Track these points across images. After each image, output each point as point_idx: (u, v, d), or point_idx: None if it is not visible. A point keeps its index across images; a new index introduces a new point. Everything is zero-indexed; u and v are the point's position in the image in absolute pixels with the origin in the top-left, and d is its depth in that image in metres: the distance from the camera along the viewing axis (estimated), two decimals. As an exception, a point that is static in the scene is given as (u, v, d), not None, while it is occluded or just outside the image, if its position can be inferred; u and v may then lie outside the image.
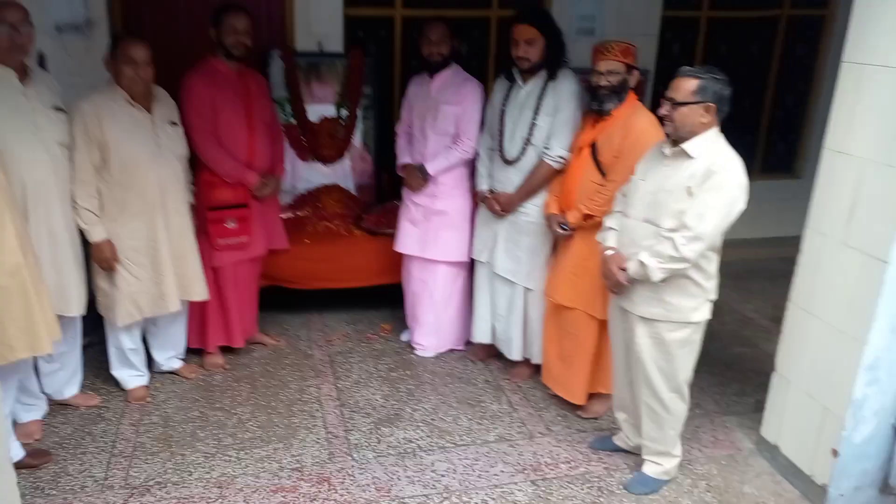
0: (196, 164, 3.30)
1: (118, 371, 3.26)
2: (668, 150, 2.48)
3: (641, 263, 2.44)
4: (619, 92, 2.86)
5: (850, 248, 2.50)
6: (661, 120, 2.47)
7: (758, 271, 5.08)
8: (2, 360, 2.38)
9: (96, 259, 2.98)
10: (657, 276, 2.42)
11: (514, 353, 3.51)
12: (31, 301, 2.43)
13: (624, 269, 2.53)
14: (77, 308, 2.93)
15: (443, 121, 3.45)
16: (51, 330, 2.54)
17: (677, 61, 4.90)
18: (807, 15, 5.27)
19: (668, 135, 2.47)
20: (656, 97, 4.63)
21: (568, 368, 3.19)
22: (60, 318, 2.71)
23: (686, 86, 2.38)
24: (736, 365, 3.76)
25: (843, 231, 2.53)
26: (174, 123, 3.12)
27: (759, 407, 3.07)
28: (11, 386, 2.67)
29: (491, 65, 4.77)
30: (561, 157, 3.12)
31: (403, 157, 3.65)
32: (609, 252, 2.62)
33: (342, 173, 4.49)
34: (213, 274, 3.39)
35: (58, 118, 2.81)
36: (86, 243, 2.96)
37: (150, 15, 4.15)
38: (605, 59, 2.84)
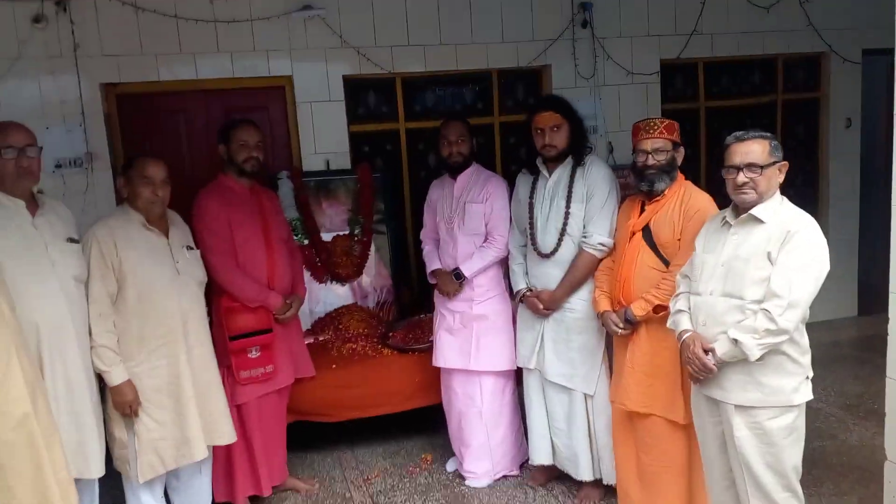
0: (212, 291, 3.04)
1: (141, 537, 2.79)
2: (732, 219, 2.35)
3: (735, 342, 2.20)
4: (668, 171, 2.73)
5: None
6: (738, 188, 2.29)
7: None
8: (5, 534, 1.97)
9: (117, 405, 2.63)
10: (755, 353, 2.19)
11: (583, 473, 3.11)
12: (41, 457, 2.03)
13: (708, 352, 2.28)
14: (97, 469, 2.53)
15: (471, 221, 3.31)
16: (65, 493, 2.13)
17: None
18: (802, 99, 5.37)
19: (737, 205, 2.34)
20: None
21: (651, 488, 2.78)
22: (77, 481, 2.29)
23: (761, 148, 2.30)
24: (821, 461, 3.39)
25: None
26: (190, 248, 2.90)
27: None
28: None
29: (498, 168, 4.71)
30: (602, 245, 2.96)
31: (433, 263, 3.45)
32: (686, 335, 2.37)
33: (360, 292, 4.27)
34: (238, 412, 3.05)
35: (72, 250, 2.54)
36: (102, 391, 2.62)
37: (151, 146, 4.02)
38: (650, 137, 2.73)
